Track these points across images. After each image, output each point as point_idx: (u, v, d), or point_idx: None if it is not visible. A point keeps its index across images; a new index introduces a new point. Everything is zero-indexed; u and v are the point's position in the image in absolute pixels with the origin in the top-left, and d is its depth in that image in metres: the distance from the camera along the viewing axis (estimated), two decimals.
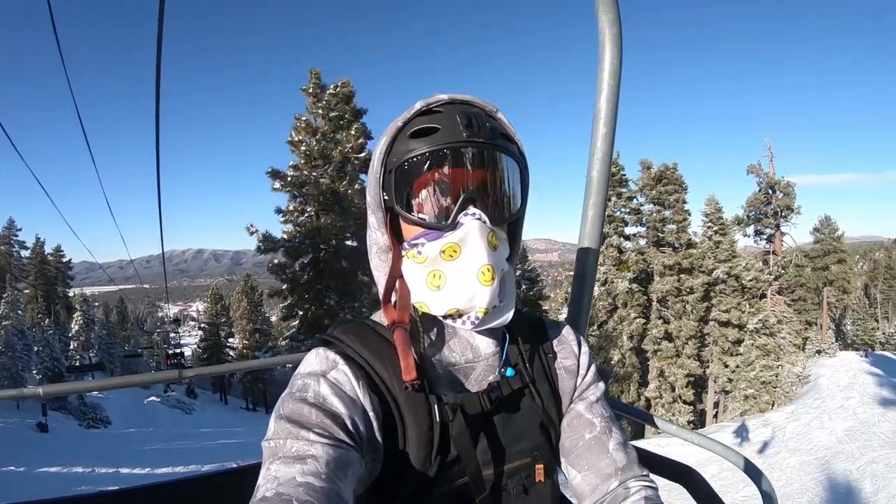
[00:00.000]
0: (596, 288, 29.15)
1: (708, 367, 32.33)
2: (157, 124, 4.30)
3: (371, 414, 1.00)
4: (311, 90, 19.22)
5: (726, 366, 31.03)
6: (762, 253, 38.28)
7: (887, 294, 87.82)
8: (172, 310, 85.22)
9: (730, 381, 31.45)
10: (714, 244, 30.61)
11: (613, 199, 29.40)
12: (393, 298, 1.11)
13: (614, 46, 1.97)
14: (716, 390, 32.45)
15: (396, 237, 1.10)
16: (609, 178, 2.29)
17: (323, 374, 1.01)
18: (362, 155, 18.94)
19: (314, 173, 18.12)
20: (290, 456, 0.89)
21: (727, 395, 32.93)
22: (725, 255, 30.19)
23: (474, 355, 1.13)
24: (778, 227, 36.76)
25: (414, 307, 1.08)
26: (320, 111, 18.90)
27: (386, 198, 1.05)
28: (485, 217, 1.00)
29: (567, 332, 1.32)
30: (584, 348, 1.31)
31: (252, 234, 17.78)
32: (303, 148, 18.32)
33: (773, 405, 32.37)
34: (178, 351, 45.58)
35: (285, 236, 18.13)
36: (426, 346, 1.09)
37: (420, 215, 1.02)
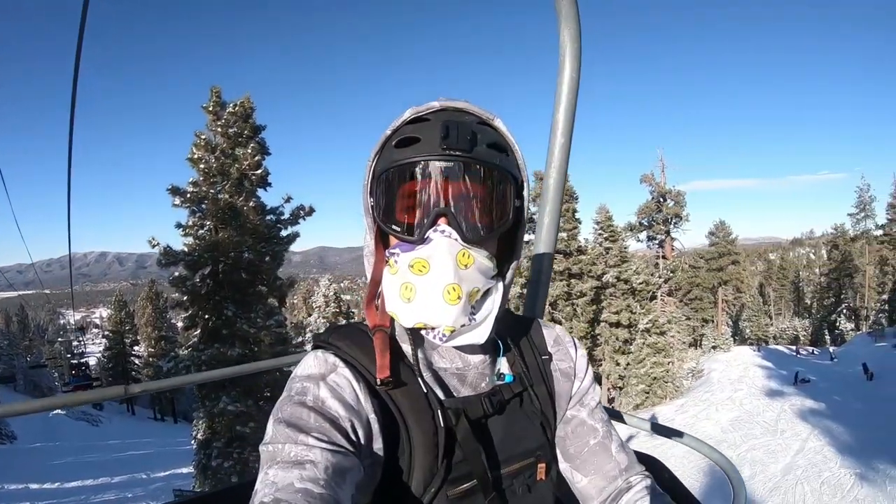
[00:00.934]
0: None
1: (601, 365, 33.84)
2: (71, 126, 4.27)
3: (371, 418, 1.01)
4: (210, 108, 19.50)
5: (618, 364, 32.68)
6: (654, 257, 40.11)
7: (780, 292, 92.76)
8: (75, 317, 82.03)
9: (621, 377, 33.04)
10: (604, 250, 32.16)
11: None
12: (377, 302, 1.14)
13: (574, 60, 1.98)
14: (608, 387, 34.04)
15: (385, 243, 1.12)
16: (564, 187, 2.41)
17: (322, 378, 1.02)
18: (259, 171, 19.47)
19: (212, 190, 18.62)
20: (288, 461, 0.89)
21: (620, 391, 34.56)
22: (615, 261, 31.72)
23: (463, 363, 1.14)
24: (668, 233, 38.55)
25: None
26: (219, 128, 19.30)
27: (372, 204, 1.07)
28: (455, 234, 1.00)
29: (562, 333, 1.34)
30: (581, 351, 1.33)
31: (154, 246, 18.04)
32: (202, 165, 18.74)
33: (665, 399, 34.09)
34: (82, 361, 44.50)
35: (186, 249, 18.43)
36: (415, 350, 1.08)
37: (394, 226, 1.03)
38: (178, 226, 18.66)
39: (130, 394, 2.02)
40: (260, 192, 19.94)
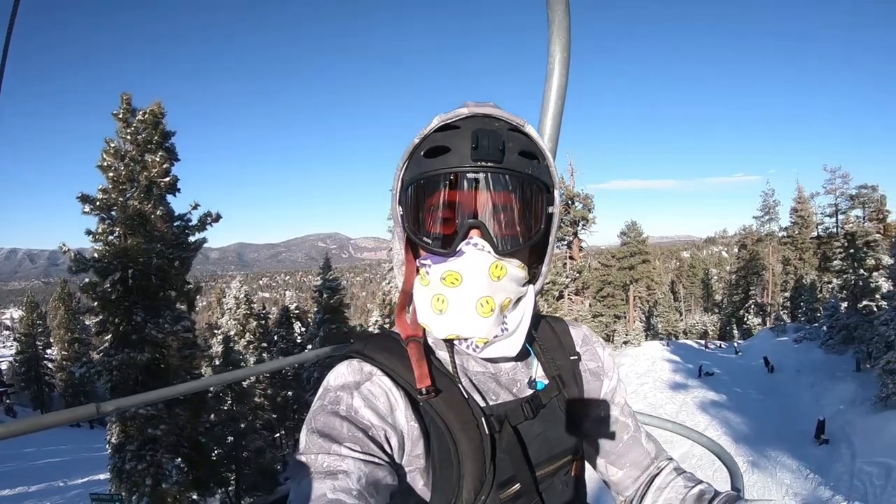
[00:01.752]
0: (395, 295, 30.65)
1: None
2: None
3: (409, 427, 1.02)
4: (121, 115, 19.51)
5: None
6: (562, 258, 41.31)
7: (690, 289, 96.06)
8: None
9: None
10: None
11: None
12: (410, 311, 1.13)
13: (563, 68, 1.97)
14: None
15: (414, 252, 1.12)
16: None
17: (356, 387, 1.02)
18: (167, 179, 19.71)
19: (121, 198, 18.77)
20: (321, 471, 0.89)
21: None
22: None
23: (495, 368, 1.14)
24: (576, 234, 39.79)
25: None
26: (129, 136, 19.38)
27: (401, 214, 1.07)
28: (488, 247, 0.99)
29: (589, 333, 1.35)
30: (608, 350, 1.36)
31: (64, 252, 18.05)
32: (111, 173, 18.87)
33: None
34: None
35: (96, 255, 18.49)
36: (452, 358, 1.09)
37: (425, 238, 1.03)
38: (88, 233, 18.64)
39: (103, 412, 1.92)
40: (169, 198, 20.15)
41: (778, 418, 28.93)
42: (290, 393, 34.46)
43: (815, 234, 42.70)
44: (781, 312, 55.60)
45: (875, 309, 29.66)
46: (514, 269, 1.03)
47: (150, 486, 18.19)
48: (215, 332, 38.73)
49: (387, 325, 30.13)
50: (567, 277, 34.14)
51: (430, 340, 1.12)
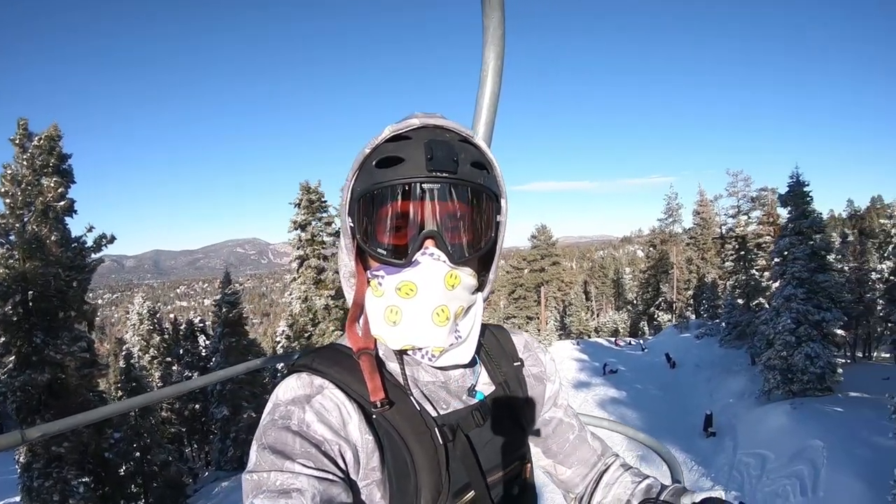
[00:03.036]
0: (297, 305, 31.15)
1: None
2: None
3: (363, 440, 1.00)
4: (17, 140, 19.69)
5: None
6: None
7: (601, 289, 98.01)
8: None
9: None
10: None
11: (314, 222, 31.53)
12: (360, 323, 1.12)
13: (496, 76, 1.95)
14: None
15: (364, 264, 1.11)
16: None
17: (307, 400, 0.99)
18: (63, 203, 20.06)
19: (18, 223, 19.11)
20: (274, 490, 0.87)
21: None
22: None
23: (445, 376, 1.14)
24: None
25: None
26: (25, 161, 19.61)
27: (351, 225, 1.05)
28: (443, 257, 0.99)
29: (530, 339, 1.39)
30: (549, 355, 1.41)
31: None
32: (7, 200, 19.15)
33: None
34: None
35: None
36: (403, 370, 1.08)
37: (379, 249, 1.02)
38: None
39: (29, 440, 1.84)
40: (68, 219, 20.52)
41: (673, 413, 30.14)
42: (197, 406, 34.35)
43: (718, 234, 44.83)
44: (685, 310, 58.06)
45: (766, 307, 31.22)
46: (467, 277, 1.05)
47: (59, 503, 18.54)
48: (121, 347, 38.20)
49: (291, 338, 30.41)
50: None
51: (380, 352, 1.12)
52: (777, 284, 27.07)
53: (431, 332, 1.01)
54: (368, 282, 1.09)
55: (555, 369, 1.40)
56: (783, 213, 29.77)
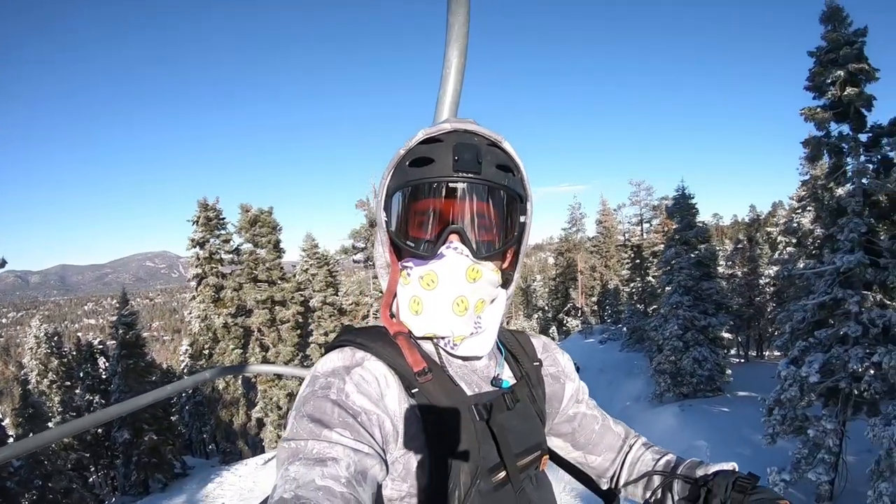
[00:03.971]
0: (196, 324, 30.63)
1: None
2: None
3: (399, 410, 1.05)
4: None
5: None
6: (371, 278, 41.66)
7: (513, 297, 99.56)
8: None
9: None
10: (311, 276, 33.48)
11: (212, 240, 31.16)
12: (393, 310, 1.17)
13: (458, 74, 1.95)
14: None
15: (398, 255, 1.17)
16: None
17: (347, 372, 1.03)
18: None
19: None
20: (310, 458, 0.89)
21: None
22: (320, 286, 33.05)
23: (470, 366, 1.19)
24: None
25: None
26: None
27: (385, 219, 1.13)
28: (466, 251, 1.06)
29: (549, 342, 1.44)
30: (567, 355, 1.46)
31: None
32: None
33: None
34: None
35: None
36: (437, 349, 1.15)
37: (408, 242, 1.10)
38: None
39: None
40: None
41: None
42: (100, 430, 33.12)
43: (621, 242, 46.03)
44: (590, 316, 59.18)
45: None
46: (489, 272, 1.11)
47: None
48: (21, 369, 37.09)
49: (193, 356, 29.79)
50: (370, 297, 34.81)
51: (414, 335, 1.15)
52: (668, 289, 27.79)
53: (451, 321, 1.08)
54: (401, 272, 1.14)
55: (573, 369, 1.45)
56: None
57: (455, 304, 1.07)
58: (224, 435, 33.69)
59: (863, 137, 15.35)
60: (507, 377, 1.25)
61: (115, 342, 32.31)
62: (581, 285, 61.27)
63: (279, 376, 31.59)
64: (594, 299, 60.27)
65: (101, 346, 39.25)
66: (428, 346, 1.16)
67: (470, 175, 1.05)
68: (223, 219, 31.90)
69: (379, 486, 0.98)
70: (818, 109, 15.94)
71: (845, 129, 15.86)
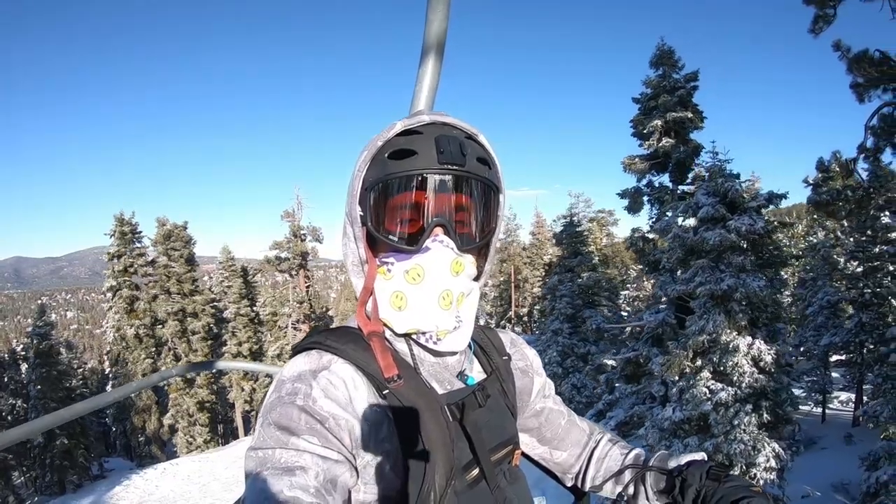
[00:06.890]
0: (111, 334, 31.53)
1: (230, 392, 35.85)
2: None
3: (369, 413, 1.01)
4: None
5: (243, 389, 34.92)
6: (291, 289, 42.03)
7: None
8: None
9: (248, 402, 35.55)
10: (226, 287, 34.34)
11: (127, 253, 31.84)
12: (368, 308, 1.13)
13: (435, 70, 1.94)
14: (242, 410, 36.53)
15: (374, 250, 1.12)
16: None
17: (314, 376, 1.00)
18: None
19: None
20: (278, 467, 0.87)
21: (251, 413, 37.06)
22: (234, 297, 33.86)
23: (443, 362, 1.17)
24: (302, 266, 40.88)
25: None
26: None
27: (361, 214, 1.08)
28: (451, 244, 1.04)
29: (515, 337, 1.44)
30: (534, 351, 1.45)
31: None
32: None
33: None
34: None
35: None
36: (411, 350, 1.12)
37: (391, 236, 1.05)
38: None
39: None
40: None
41: None
42: None
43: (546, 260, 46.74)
44: (518, 326, 60.42)
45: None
46: (469, 265, 1.10)
47: None
48: None
49: (109, 364, 30.57)
50: (289, 308, 35.52)
51: (387, 335, 1.13)
52: (550, 317, 28.46)
53: (436, 316, 1.06)
54: (379, 268, 1.10)
55: (540, 364, 1.45)
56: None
57: (441, 297, 1.05)
58: (147, 440, 34.51)
59: (688, 188, 15.81)
60: (477, 372, 1.25)
61: (30, 352, 32.88)
62: (513, 295, 62.23)
63: (190, 383, 32.76)
64: (525, 310, 61.31)
65: (23, 353, 39.43)
66: (401, 346, 1.14)
67: (455, 167, 1.03)
68: (139, 232, 32.82)
69: (350, 493, 0.98)
70: (636, 159, 16.61)
71: (665, 179, 16.49)
